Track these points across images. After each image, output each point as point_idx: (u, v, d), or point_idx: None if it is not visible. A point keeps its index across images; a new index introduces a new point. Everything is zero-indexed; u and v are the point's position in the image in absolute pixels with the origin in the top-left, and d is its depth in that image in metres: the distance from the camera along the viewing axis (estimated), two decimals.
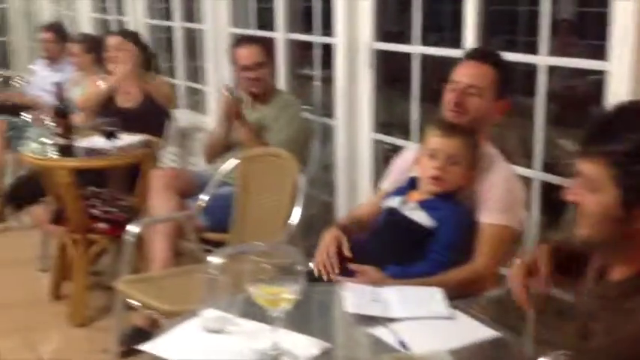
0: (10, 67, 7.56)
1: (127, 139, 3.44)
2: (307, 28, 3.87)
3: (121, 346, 2.84)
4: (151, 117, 3.84)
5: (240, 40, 3.58)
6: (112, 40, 4.07)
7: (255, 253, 1.48)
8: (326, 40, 3.55)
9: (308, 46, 3.84)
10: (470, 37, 2.69)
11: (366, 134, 3.35)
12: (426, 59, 3.02)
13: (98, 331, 3.21)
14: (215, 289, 1.65)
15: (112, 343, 2.88)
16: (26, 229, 4.25)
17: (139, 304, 2.55)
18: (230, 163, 3.21)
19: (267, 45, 3.60)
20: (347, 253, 2.06)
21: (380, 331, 1.57)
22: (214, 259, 2.44)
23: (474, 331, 1.60)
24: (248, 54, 3.41)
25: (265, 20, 4.12)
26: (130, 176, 3.50)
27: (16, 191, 3.93)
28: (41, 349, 3.10)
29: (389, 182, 2.35)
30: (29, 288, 3.68)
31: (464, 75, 2.20)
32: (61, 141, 3.22)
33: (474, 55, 2.26)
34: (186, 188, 3.34)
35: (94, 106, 3.90)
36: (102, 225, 3.35)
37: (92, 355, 3.02)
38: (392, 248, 2.05)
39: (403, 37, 3.95)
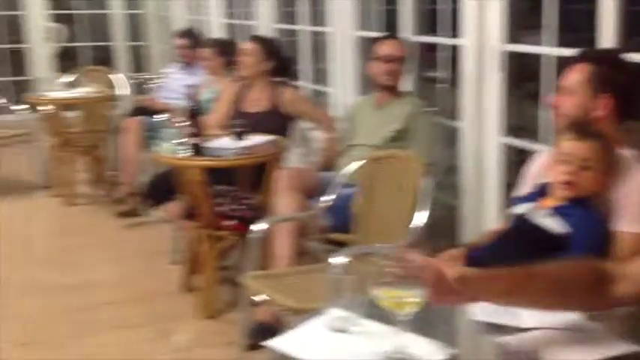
0: (144, 71, 7.98)
1: (254, 139, 3.55)
2: (430, 30, 3.85)
3: (247, 339, 2.94)
4: (276, 121, 3.94)
5: (385, 36, 3.69)
6: (243, 46, 4.20)
7: (380, 254, 1.48)
8: (454, 41, 3.51)
9: (431, 47, 3.82)
10: (606, 37, 2.58)
11: (493, 137, 3.27)
12: (559, 60, 2.91)
13: (226, 324, 3.33)
14: (339, 289, 1.67)
15: (239, 336, 2.98)
16: (159, 224, 4.48)
17: (265, 299, 2.62)
18: (354, 165, 3.24)
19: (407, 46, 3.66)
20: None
21: (508, 341, 1.53)
22: (338, 260, 2.48)
23: (609, 343, 1.53)
24: (391, 47, 3.53)
25: (391, 22, 4.12)
26: (257, 175, 3.60)
27: (153, 188, 4.14)
28: (173, 339, 3.25)
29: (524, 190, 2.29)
30: (162, 280, 3.87)
31: (564, 79, 2.17)
32: (193, 141, 3.36)
33: (579, 57, 2.21)
34: (310, 188, 3.40)
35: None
36: (230, 222, 3.47)
37: (221, 347, 3.14)
38: (521, 256, 1.99)
39: (528, 36, 3.83)
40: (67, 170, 5.34)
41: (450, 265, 1.49)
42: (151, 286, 3.81)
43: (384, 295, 1.45)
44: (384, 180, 3.06)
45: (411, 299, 1.43)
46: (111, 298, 3.69)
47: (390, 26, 4.09)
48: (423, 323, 1.51)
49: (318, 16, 4.91)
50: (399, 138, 3.40)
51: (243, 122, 3.64)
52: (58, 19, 8.15)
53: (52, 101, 5.28)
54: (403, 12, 3.86)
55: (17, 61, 8.22)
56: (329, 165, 3.71)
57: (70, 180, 5.34)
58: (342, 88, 4.51)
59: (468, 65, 3.29)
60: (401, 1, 3.85)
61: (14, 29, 8.01)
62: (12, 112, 5.71)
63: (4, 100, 6.17)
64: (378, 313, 1.52)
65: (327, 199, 3.20)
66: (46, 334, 3.30)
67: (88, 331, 3.32)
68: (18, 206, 5.30)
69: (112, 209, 5.01)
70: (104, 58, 8.10)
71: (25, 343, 3.21)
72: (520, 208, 2.11)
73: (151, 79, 6.44)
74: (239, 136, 3.54)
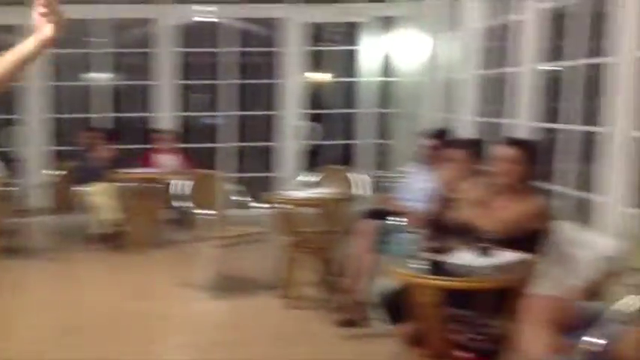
0: (386, 170, 7.73)
1: (501, 256, 2.96)
2: None
3: None
4: (524, 236, 3.31)
5: None
6: (502, 151, 3.68)
7: None
8: None
9: None
10: None
11: None
12: None
13: None
14: None
15: None
16: (383, 339, 3.89)
17: None
18: (633, 298, 2.52)
19: None
20: None
21: None
22: None
23: None
24: None
25: None
26: (498, 298, 2.98)
27: (390, 300, 3.57)
28: None
29: None
30: None
31: None
32: (432, 256, 2.90)
33: None
34: (567, 322, 2.72)
35: None
36: (465, 354, 2.88)
37: None
38: None
39: None
40: (295, 271, 5.08)
41: None
42: None
43: None
44: None
45: None
46: None
47: None
48: None
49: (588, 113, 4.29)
50: None
51: (492, 235, 3.06)
52: (313, 118, 8.31)
53: (290, 201, 5.16)
54: None
55: (265, 159, 8.44)
56: (595, 293, 2.98)
57: (296, 281, 5.07)
58: (615, 197, 3.77)
59: None
60: None
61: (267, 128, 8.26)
62: (249, 208, 5.68)
63: (248, 198, 6.20)
64: None
65: (590, 340, 2.47)
66: None
67: None
68: (240, 305, 5.13)
69: (332, 316, 4.60)
70: (348, 157, 8.03)
71: None
72: None
73: (391, 178, 6.13)
74: (484, 251, 2.97)
